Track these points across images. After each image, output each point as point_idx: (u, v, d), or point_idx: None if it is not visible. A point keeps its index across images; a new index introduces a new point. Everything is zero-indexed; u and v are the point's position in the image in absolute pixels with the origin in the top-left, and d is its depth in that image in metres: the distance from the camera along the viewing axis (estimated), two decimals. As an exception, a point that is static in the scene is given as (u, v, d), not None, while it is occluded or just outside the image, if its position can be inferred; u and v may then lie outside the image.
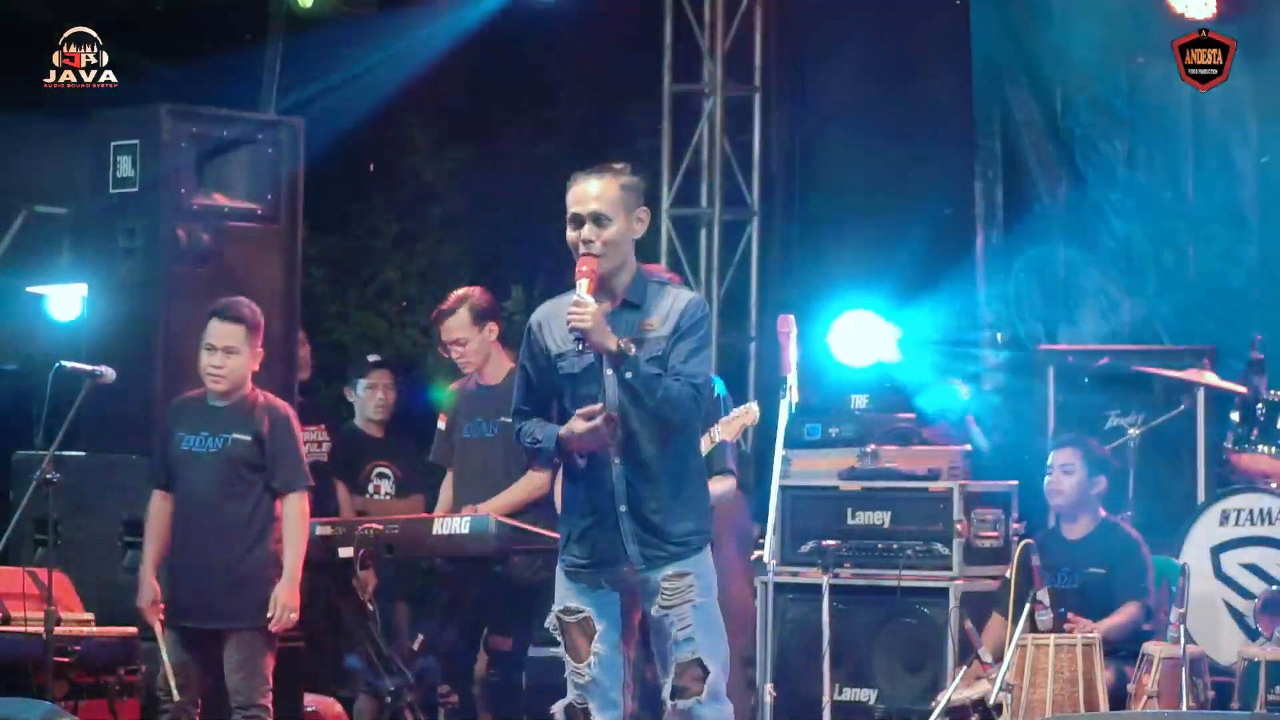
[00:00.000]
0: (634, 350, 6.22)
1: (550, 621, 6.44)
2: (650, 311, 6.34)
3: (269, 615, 8.18)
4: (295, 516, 8.28)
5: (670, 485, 6.33)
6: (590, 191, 6.34)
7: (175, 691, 8.22)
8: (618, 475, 6.33)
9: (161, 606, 8.31)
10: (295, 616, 8.23)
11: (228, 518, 8.27)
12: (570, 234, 6.36)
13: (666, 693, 6.30)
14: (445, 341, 9.19)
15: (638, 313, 6.35)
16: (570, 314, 6.22)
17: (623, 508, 6.32)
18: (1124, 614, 8.60)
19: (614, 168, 6.46)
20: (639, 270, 6.45)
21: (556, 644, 8.95)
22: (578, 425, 6.28)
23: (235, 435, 8.29)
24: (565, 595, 6.43)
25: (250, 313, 8.40)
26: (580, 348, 6.25)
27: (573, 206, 6.36)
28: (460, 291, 9.26)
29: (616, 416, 6.27)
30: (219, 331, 8.33)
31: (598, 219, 6.32)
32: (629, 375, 6.21)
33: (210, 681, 8.35)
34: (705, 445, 7.51)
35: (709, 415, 7.71)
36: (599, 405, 6.28)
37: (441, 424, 9.32)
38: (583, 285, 6.25)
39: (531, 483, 8.85)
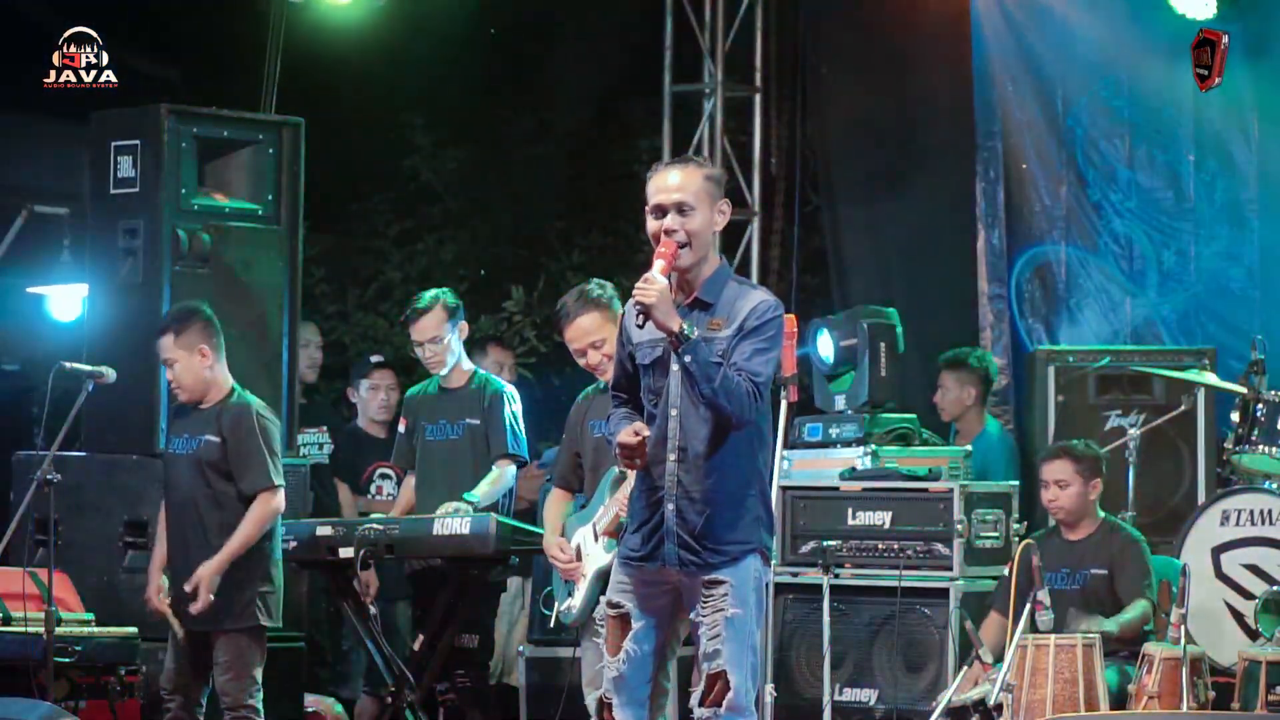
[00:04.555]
0: (696, 334, 6.15)
1: (599, 611, 6.43)
2: (721, 311, 6.27)
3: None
4: (253, 511, 8.22)
5: (721, 490, 6.25)
6: (673, 181, 6.28)
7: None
8: (670, 473, 6.27)
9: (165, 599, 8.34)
10: (204, 596, 8.14)
11: (207, 520, 8.28)
12: (652, 224, 6.28)
13: (694, 700, 6.28)
14: (418, 341, 9.19)
15: (708, 312, 6.28)
16: (637, 289, 6.17)
17: (670, 506, 6.26)
18: (1133, 610, 8.58)
19: (696, 159, 6.43)
20: (721, 267, 6.37)
21: (553, 644, 9.05)
22: (621, 435, 6.26)
23: (207, 437, 8.30)
24: (614, 588, 6.40)
25: (172, 319, 8.42)
26: (640, 323, 6.21)
27: (655, 196, 6.28)
28: (432, 292, 9.27)
29: (646, 443, 6.22)
30: (160, 345, 8.38)
31: (681, 208, 6.25)
32: (687, 359, 6.13)
33: (210, 682, 8.36)
34: None
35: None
36: (643, 426, 6.25)
37: (402, 427, 9.33)
38: (658, 265, 6.18)
39: (500, 476, 8.91)
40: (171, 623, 8.32)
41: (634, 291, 6.18)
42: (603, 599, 6.48)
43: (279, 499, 8.30)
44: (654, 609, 6.35)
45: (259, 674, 8.26)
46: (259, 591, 8.26)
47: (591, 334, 7.81)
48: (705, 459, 6.25)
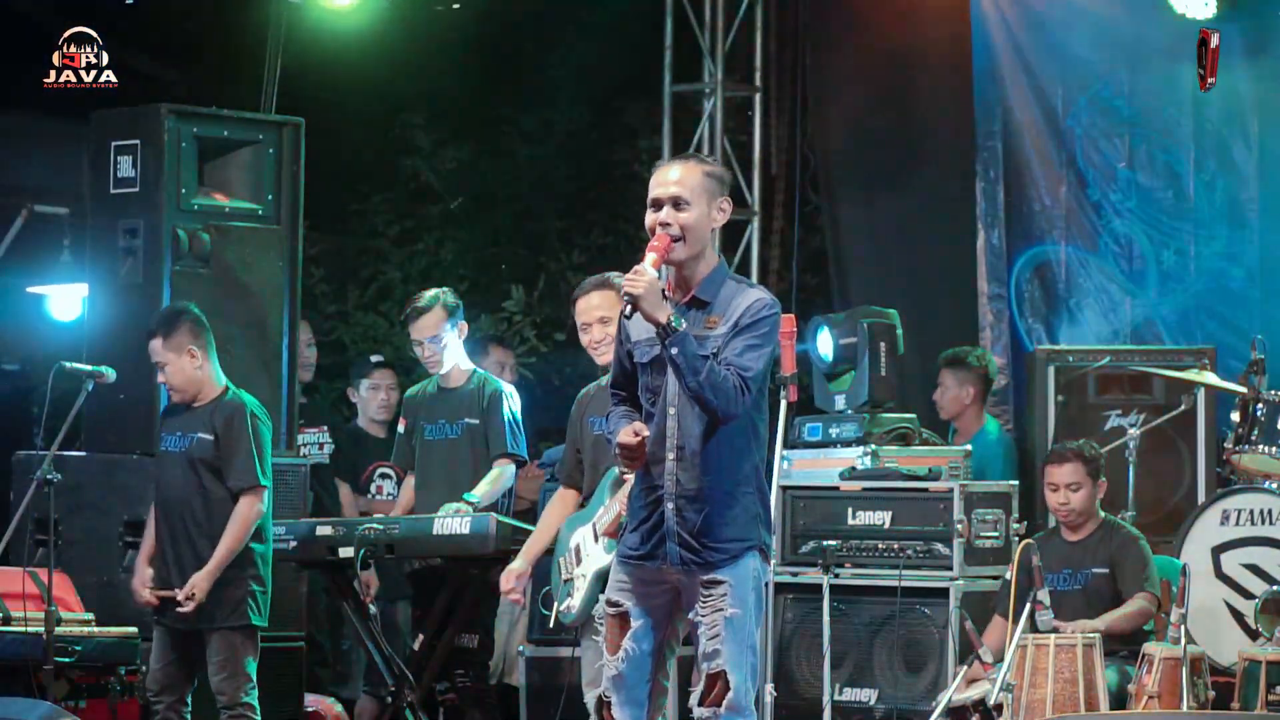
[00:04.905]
0: (684, 327, 6.15)
1: (598, 609, 6.44)
2: (718, 310, 6.27)
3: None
4: (238, 513, 8.26)
5: (719, 488, 6.25)
6: (671, 176, 6.30)
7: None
8: (669, 472, 6.27)
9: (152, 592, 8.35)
10: (193, 601, 8.17)
11: (197, 518, 8.30)
12: (649, 217, 6.29)
13: (693, 700, 6.29)
14: (417, 340, 9.19)
15: (705, 311, 6.29)
16: (625, 280, 6.18)
17: (669, 505, 6.27)
18: (1133, 605, 8.58)
19: (700, 156, 6.46)
20: (719, 266, 6.37)
21: (553, 644, 9.04)
22: (620, 436, 6.28)
23: (199, 435, 8.33)
24: (613, 586, 6.41)
25: (159, 322, 8.43)
26: (628, 313, 6.22)
27: (653, 190, 6.30)
28: (432, 291, 9.27)
29: (646, 442, 6.25)
30: (149, 349, 8.40)
31: (677, 202, 6.26)
32: (674, 351, 6.13)
33: (196, 681, 8.37)
34: None
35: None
36: (643, 426, 6.27)
37: (401, 427, 9.32)
38: (649, 258, 6.20)
39: (500, 476, 8.89)
40: (152, 602, 8.35)
41: (623, 282, 6.19)
42: (602, 597, 6.48)
43: (263, 499, 8.31)
44: (653, 608, 6.35)
45: (253, 671, 8.27)
46: (250, 590, 8.27)
47: (599, 310, 7.86)
48: (703, 457, 6.25)
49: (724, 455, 6.26)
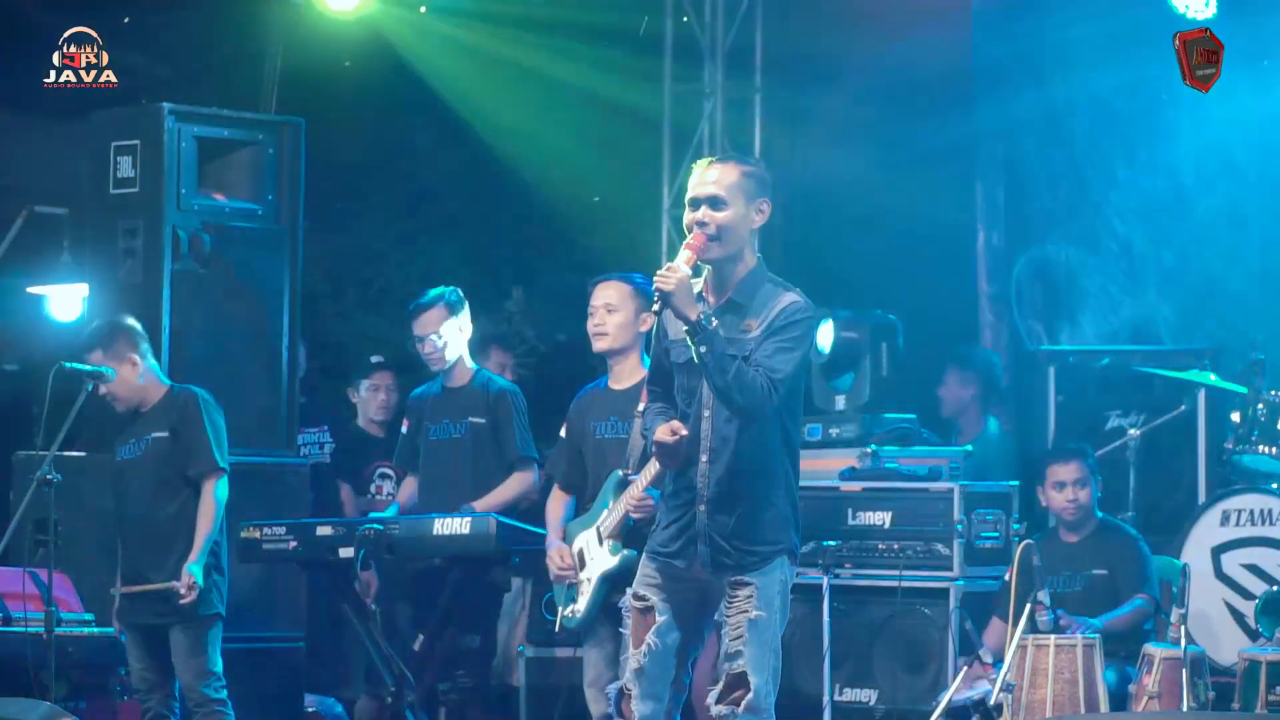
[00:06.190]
0: (714, 324, 6.17)
1: (622, 602, 6.46)
2: (754, 313, 6.29)
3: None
4: (207, 498, 8.29)
5: (751, 490, 6.30)
6: (710, 176, 6.33)
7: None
8: (702, 473, 6.30)
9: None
10: (194, 584, 8.18)
11: (159, 518, 8.34)
12: (686, 216, 6.32)
13: (712, 698, 6.30)
14: (420, 335, 9.17)
15: (742, 314, 6.30)
16: (657, 276, 6.19)
17: (701, 507, 6.31)
18: (1128, 605, 8.59)
19: (739, 156, 6.50)
20: (756, 268, 6.38)
21: (553, 644, 9.04)
22: (658, 434, 6.28)
23: (155, 434, 8.37)
24: (640, 580, 6.43)
25: (98, 337, 8.45)
26: (658, 309, 6.22)
27: (691, 190, 6.33)
28: (439, 289, 9.26)
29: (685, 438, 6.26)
30: (89, 362, 8.42)
31: (714, 201, 6.28)
32: (703, 349, 6.14)
33: (176, 674, 8.38)
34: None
35: None
36: (680, 425, 6.27)
37: (405, 428, 9.31)
38: (683, 255, 6.22)
39: (521, 483, 8.87)
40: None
41: (655, 279, 6.20)
42: (629, 590, 6.49)
43: (225, 482, 8.35)
44: (679, 604, 6.38)
45: (219, 665, 8.27)
46: (212, 580, 8.28)
47: (609, 299, 7.92)
48: (736, 459, 6.29)
49: (756, 458, 6.30)
